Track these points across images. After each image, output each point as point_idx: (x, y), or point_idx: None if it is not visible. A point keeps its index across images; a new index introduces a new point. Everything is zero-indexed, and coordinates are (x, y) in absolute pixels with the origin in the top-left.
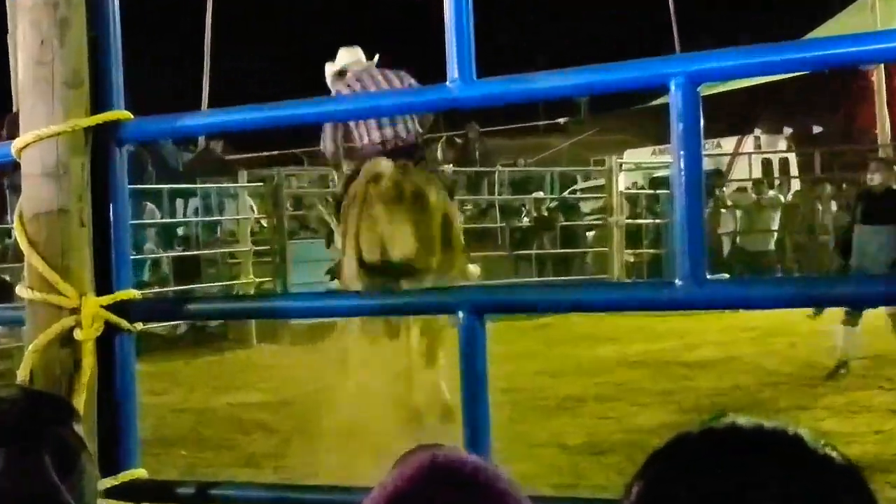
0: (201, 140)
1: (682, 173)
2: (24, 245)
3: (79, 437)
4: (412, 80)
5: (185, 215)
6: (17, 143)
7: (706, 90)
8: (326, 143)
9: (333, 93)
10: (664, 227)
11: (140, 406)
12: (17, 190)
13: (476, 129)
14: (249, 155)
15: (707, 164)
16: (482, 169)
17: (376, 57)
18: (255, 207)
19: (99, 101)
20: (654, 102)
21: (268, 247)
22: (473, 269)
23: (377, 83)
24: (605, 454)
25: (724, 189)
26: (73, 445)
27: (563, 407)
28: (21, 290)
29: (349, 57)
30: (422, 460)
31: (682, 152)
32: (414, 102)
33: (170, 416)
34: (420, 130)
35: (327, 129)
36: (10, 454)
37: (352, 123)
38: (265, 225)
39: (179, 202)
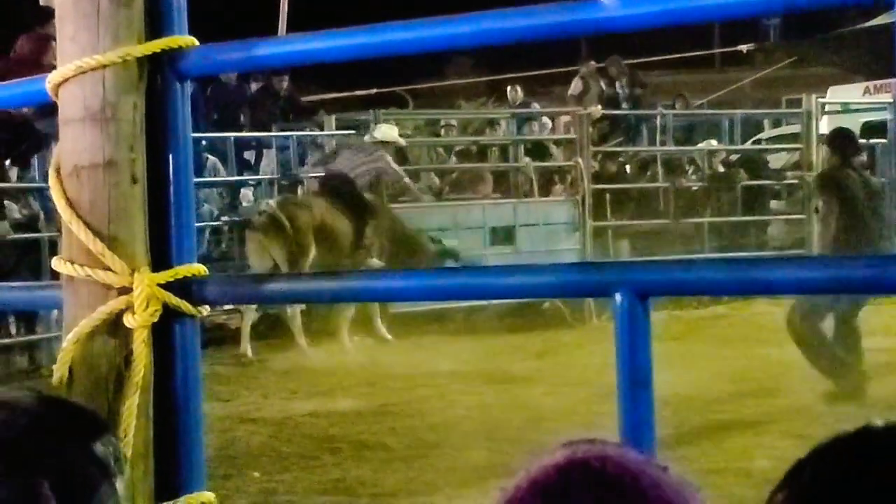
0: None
1: None
2: (61, 207)
3: (101, 461)
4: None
5: (256, 172)
6: (52, 78)
7: None
8: None
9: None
10: (881, 189)
11: (203, 415)
12: (45, 139)
13: (619, 62)
14: (337, 94)
15: None
16: (640, 112)
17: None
18: None
19: (155, 25)
20: (870, 23)
21: None
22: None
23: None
24: None
25: None
26: (90, 472)
27: (745, 423)
28: (57, 265)
29: (387, 130)
30: (560, 458)
31: None
32: (557, 24)
33: (240, 429)
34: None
35: None
36: None
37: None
38: None
39: (249, 155)
